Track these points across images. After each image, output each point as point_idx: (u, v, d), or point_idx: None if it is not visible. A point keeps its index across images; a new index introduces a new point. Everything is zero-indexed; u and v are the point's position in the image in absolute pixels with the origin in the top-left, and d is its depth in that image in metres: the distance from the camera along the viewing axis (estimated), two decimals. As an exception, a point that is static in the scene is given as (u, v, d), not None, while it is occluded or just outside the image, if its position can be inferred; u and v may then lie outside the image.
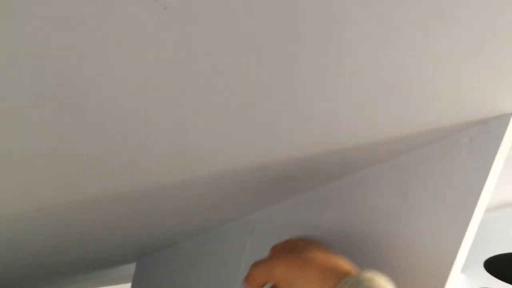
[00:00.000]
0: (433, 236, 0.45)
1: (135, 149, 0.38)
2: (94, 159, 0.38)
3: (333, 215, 0.54)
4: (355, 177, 0.53)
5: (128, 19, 0.23)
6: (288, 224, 0.58)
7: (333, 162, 0.48)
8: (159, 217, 0.60)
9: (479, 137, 0.42)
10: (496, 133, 0.41)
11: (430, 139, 0.44)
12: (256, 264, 0.44)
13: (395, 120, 0.39)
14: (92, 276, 0.93)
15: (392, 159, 0.48)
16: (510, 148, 0.41)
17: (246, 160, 0.45)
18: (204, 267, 0.73)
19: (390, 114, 0.38)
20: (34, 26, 0.22)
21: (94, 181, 0.42)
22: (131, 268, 0.90)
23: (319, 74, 0.31)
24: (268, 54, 0.27)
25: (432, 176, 0.45)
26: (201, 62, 0.27)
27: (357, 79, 0.32)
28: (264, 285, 0.43)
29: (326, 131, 0.40)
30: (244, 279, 0.45)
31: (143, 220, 0.60)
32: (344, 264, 0.41)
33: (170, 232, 0.70)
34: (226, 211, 0.63)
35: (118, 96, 0.29)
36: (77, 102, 0.29)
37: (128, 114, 0.32)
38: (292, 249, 0.45)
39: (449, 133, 0.43)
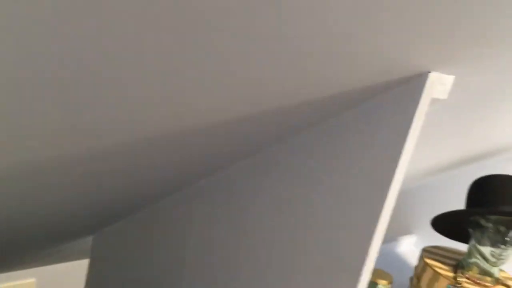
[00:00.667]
0: (359, 193, 0.49)
1: (97, 111, 0.40)
2: (55, 120, 0.39)
3: (272, 179, 0.58)
4: (291, 141, 0.56)
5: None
6: (231, 190, 0.62)
7: (269, 126, 0.51)
8: (118, 183, 0.62)
9: (401, 96, 0.46)
10: (416, 90, 0.45)
11: (357, 100, 0.48)
12: None
13: (321, 82, 0.42)
14: (48, 252, 0.93)
15: (323, 122, 0.52)
16: (429, 104, 0.46)
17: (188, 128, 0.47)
18: (161, 235, 0.75)
19: (316, 76, 0.41)
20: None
21: (54, 143, 0.44)
22: (88, 242, 0.91)
23: (241, 46, 0.33)
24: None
25: (360, 136, 0.49)
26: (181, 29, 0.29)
27: (281, 43, 0.35)
28: None
29: (255, 95, 0.43)
30: None
31: (103, 186, 0.62)
32: None
33: (126, 201, 0.72)
34: (178, 180, 0.66)
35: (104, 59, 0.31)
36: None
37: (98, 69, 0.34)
38: None
39: (375, 93, 0.47)
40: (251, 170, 0.60)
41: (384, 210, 0.47)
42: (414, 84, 0.45)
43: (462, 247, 1.43)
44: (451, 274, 1.22)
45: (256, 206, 0.60)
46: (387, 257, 1.65)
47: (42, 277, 1.12)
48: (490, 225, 1.17)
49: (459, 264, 1.28)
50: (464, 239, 1.34)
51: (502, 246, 1.17)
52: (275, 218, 0.58)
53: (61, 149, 0.47)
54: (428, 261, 1.28)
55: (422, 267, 1.29)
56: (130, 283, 0.84)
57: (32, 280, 1.12)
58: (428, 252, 1.35)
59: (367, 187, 0.49)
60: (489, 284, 1.21)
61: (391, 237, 1.77)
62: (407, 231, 1.80)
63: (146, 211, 0.79)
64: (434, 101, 0.47)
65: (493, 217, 1.17)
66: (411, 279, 1.34)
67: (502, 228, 1.16)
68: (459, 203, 1.48)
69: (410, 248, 1.77)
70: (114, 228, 0.85)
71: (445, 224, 1.31)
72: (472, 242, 1.24)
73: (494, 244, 1.18)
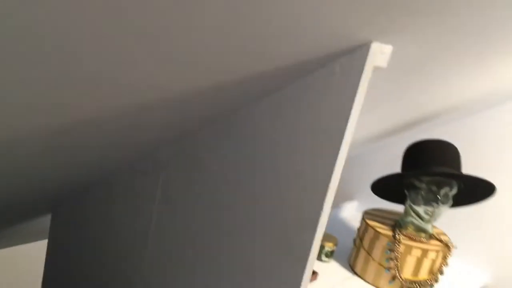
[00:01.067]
0: (312, 158, 0.54)
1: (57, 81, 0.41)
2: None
3: (232, 145, 0.61)
4: (248, 110, 0.60)
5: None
6: (196, 156, 0.64)
7: (226, 95, 0.54)
8: (77, 158, 0.63)
9: (347, 65, 0.50)
10: (360, 60, 0.49)
11: (310, 69, 0.52)
12: None
13: (274, 53, 0.46)
14: (5, 234, 0.92)
15: (276, 92, 0.56)
16: (372, 71, 0.50)
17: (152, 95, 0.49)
18: (121, 207, 0.77)
19: (268, 48, 0.44)
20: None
21: (9, 117, 0.44)
22: (46, 221, 0.90)
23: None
24: None
25: (311, 105, 0.53)
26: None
27: (233, 15, 0.38)
28: None
29: (213, 65, 0.46)
30: None
31: (61, 160, 0.63)
32: None
33: (84, 176, 0.73)
34: (138, 149, 0.67)
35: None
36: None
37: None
38: None
39: (323, 63, 0.51)
40: (209, 141, 0.63)
41: (335, 172, 0.52)
42: (358, 53, 0.50)
43: (399, 208, 1.54)
44: (390, 233, 1.32)
45: (216, 176, 0.64)
46: (332, 222, 1.74)
47: (0, 259, 1.10)
48: (423, 185, 1.28)
49: (396, 223, 1.38)
50: (400, 200, 1.44)
51: (435, 204, 1.28)
52: (236, 183, 0.62)
53: (18, 124, 0.48)
54: (369, 222, 1.38)
55: (364, 228, 1.39)
56: (91, 261, 0.85)
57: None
58: (369, 214, 1.45)
59: (319, 151, 0.54)
60: (424, 240, 1.32)
61: (334, 203, 1.86)
62: (349, 198, 1.90)
63: (105, 187, 0.80)
64: (376, 69, 0.52)
65: (425, 178, 1.28)
66: (355, 240, 1.44)
67: (434, 188, 1.27)
68: (396, 168, 1.58)
69: (352, 213, 1.87)
70: (73, 206, 0.85)
71: (383, 187, 1.41)
72: (408, 202, 1.35)
73: (427, 203, 1.29)
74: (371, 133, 1.21)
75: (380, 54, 0.50)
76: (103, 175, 0.72)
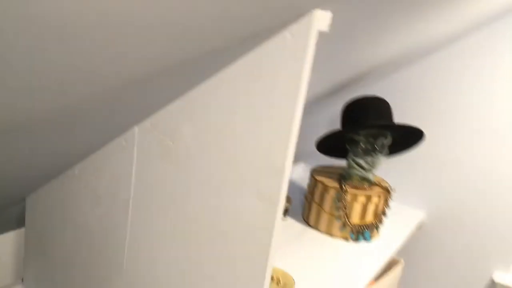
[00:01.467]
0: (270, 127, 0.62)
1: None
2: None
3: (197, 120, 0.69)
4: (210, 83, 0.67)
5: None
6: (171, 128, 0.71)
7: (187, 70, 0.61)
8: (52, 140, 0.67)
9: (297, 31, 0.59)
10: (307, 26, 0.58)
11: (262, 39, 0.60)
12: None
13: (235, 25, 0.53)
14: None
15: (235, 61, 0.63)
16: (317, 36, 0.60)
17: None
18: (96, 188, 0.82)
19: (228, 23, 0.52)
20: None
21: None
22: (21, 209, 0.93)
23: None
24: None
25: (269, 69, 0.62)
26: None
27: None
28: None
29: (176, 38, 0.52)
30: None
31: (35, 146, 0.67)
32: None
33: (59, 157, 0.76)
34: (111, 127, 0.73)
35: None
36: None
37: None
38: None
39: (276, 31, 0.59)
40: (180, 114, 0.70)
41: (294, 126, 0.61)
42: (305, 20, 0.58)
43: (342, 163, 1.68)
44: (337, 185, 1.45)
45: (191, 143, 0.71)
46: (282, 184, 1.86)
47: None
48: (361, 138, 1.42)
49: (341, 176, 1.52)
50: (343, 155, 1.58)
51: (373, 154, 1.43)
52: (208, 148, 0.70)
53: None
54: (317, 178, 1.50)
55: (313, 184, 1.51)
56: (72, 242, 0.89)
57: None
58: (316, 171, 1.58)
59: (279, 111, 0.62)
60: (367, 187, 1.47)
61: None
62: (295, 160, 2.03)
63: (80, 166, 0.84)
64: (320, 34, 0.61)
65: (363, 131, 1.41)
66: (306, 196, 1.56)
67: (371, 140, 1.41)
68: (336, 126, 1.72)
69: (300, 175, 2.00)
70: (49, 188, 0.89)
71: (327, 145, 1.54)
72: (350, 156, 1.48)
73: (367, 154, 1.43)
74: (313, 94, 1.32)
75: (322, 20, 0.59)
76: (78, 157, 0.77)
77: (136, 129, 0.74)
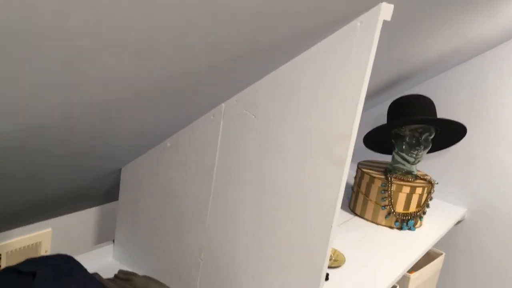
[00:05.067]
0: (341, 100, 0.75)
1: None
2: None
3: (277, 96, 0.82)
4: (291, 64, 0.81)
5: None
6: (254, 103, 0.85)
7: (265, 55, 0.75)
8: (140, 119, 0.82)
9: (366, 20, 0.72)
10: (375, 15, 0.71)
11: (339, 25, 0.74)
12: None
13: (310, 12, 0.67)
14: (64, 200, 1.07)
15: (315, 45, 0.77)
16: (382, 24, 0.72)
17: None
18: (184, 158, 0.97)
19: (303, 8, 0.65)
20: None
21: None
22: (102, 188, 1.07)
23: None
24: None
25: (339, 57, 0.75)
26: None
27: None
28: None
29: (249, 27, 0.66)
30: None
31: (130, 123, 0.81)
32: None
33: (155, 132, 0.91)
34: (202, 104, 0.87)
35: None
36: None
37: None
38: None
39: (348, 20, 0.73)
40: (263, 87, 0.84)
41: (357, 115, 0.74)
42: (373, 11, 0.71)
43: (386, 158, 1.78)
44: (382, 176, 1.56)
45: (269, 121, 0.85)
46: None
47: (58, 226, 1.27)
48: (407, 133, 1.53)
49: (387, 170, 1.63)
50: (388, 151, 1.69)
51: (418, 148, 1.53)
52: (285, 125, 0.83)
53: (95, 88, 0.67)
54: (364, 170, 1.62)
55: (359, 175, 1.62)
56: (161, 207, 1.03)
57: (48, 229, 1.27)
58: (363, 164, 1.69)
59: (346, 90, 0.75)
60: (410, 180, 1.57)
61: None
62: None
63: (171, 140, 0.98)
64: (385, 22, 0.74)
65: (408, 126, 1.52)
66: (353, 187, 1.67)
67: (416, 134, 1.52)
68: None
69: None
70: (143, 160, 1.03)
71: (373, 140, 1.66)
72: (395, 150, 1.59)
73: (411, 148, 1.54)
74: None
75: (387, 11, 0.72)
76: (170, 131, 0.91)
77: (223, 105, 0.88)
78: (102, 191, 1.15)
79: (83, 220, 1.28)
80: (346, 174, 0.78)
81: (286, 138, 0.82)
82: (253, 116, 0.85)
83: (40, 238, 1.24)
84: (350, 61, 0.74)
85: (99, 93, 0.64)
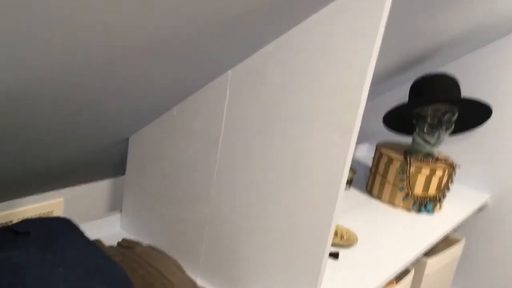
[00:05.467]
0: (349, 67, 0.71)
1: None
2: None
3: (285, 63, 0.79)
4: (297, 29, 0.77)
5: None
6: (261, 70, 0.82)
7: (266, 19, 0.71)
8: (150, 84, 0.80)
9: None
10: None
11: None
12: None
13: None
14: (75, 170, 1.07)
15: (322, 9, 0.73)
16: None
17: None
18: (190, 127, 0.95)
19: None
20: None
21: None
22: (112, 159, 1.08)
23: None
24: None
25: (350, 19, 0.71)
26: None
27: None
28: None
29: None
30: None
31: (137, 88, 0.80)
32: None
33: (161, 100, 0.89)
34: (208, 71, 0.85)
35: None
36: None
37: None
38: None
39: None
40: (271, 54, 0.81)
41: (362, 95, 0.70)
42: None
43: (406, 140, 1.72)
44: (401, 157, 1.51)
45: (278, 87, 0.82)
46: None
47: (70, 196, 1.28)
48: (429, 113, 1.47)
49: (407, 151, 1.57)
50: (408, 132, 1.63)
51: (440, 129, 1.47)
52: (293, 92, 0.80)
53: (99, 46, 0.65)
54: (383, 150, 1.57)
55: (378, 156, 1.58)
56: (167, 176, 1.02)
57: (60, 199, 1.28)
58: (381, 145, 1.64)
59: (355, 57, 0.71)
60: (431, 162, 1.51)
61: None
62: (360, 140, 2.09)
63: (177, 108, 0.96)
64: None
65: (430, 106, 1.46)
66: (370, 169, 1.63)
67: (439, 114, 1.46)
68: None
69: (364, 154, 2.06)
70: (150, 129, 1.01)
71: (393, 120, 1.60)
72: (416, 130, 1.53)
73: (433, 129, 1.48)
74: (383, 69, 1.39)
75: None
76: (178, 98, 0.89)
77: (229, 72, 0.86)
78: (113, 163, 1.15)
79: (96, 192, 1.29)
80: (353, 143, 0.74)
81: (293, 105, 0.79)
82: (259, 83, 0.82)
83: (52, 207, 1.25)
84: (360, 23, 0.70)
85: (101, 50, 0.62)
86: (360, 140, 2.11)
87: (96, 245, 0.70)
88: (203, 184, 0.93)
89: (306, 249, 0.80)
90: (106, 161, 1.13)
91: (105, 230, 1.06)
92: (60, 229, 0.69)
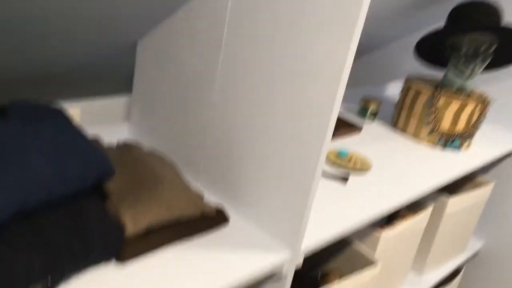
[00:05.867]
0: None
1: None
2: None
3: None
4: None
5: None
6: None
7: None
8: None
9: None
10: None
11: None
12: None
13: None
14: (90, 80, 1.07)
15: None
16: None
17: None
18: (194, 29, 0.91)
19: None
20: None
21: None
22: (124, 75, 1.07)
23: None
24: None
25: None
26: None
27: None
28: None
29: None
30: None
31: None
32: None
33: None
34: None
35: None
36: None
37: None
38: None
39: None
40: None
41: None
42: None
43: (438, 75, 1.62)
44: (430, 90, 1.42)
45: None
46: (375, 94, 1.86)
47: (86, 108, 1.29)
48: (466, 42, 1.36)
49: (437, 85, 1.48)
50: (441, 64, 1.53)
51: (476, 61, 1.36)
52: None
53: None
54: (412, 83, 1.48)
55: (405, 89, 1.49)
56: (172, 82, 1.00)
57: (77, 110, 1.30)
58: (410, 78, 1.54)
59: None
60: (462, 98, 1.41)
61: (379, 81, 1.97)
62: (390, 79, 2.00)
63: (183, 9, 0.92)
64: None
65: (467, 36, 1.35)
66: (397, 103, 1.55)
67: (476, 44, 1.35)
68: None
69: (393, 92, 1.97)
70: (156, 33, 0.98)
71: (427, 50, 1.50)
72: (451, 61, 1.43)
73: (468, 59, 1.37)
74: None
75: None
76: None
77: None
78: (125, 77, 1.14)
79: (114, 108, 1.29)
80: (354, 48, 0.69)
81: (292, 13, 0.74)
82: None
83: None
84: None
85: None
86: (391, 78, 2.01)
87: (83, 132, 0.69)
88: (206, 88, 0.91)
89: (304, 152, 0.77)
90: (117, 72, 1.12)
91: (112, 137, 1.06)
92: (50, 113, 0.68)
